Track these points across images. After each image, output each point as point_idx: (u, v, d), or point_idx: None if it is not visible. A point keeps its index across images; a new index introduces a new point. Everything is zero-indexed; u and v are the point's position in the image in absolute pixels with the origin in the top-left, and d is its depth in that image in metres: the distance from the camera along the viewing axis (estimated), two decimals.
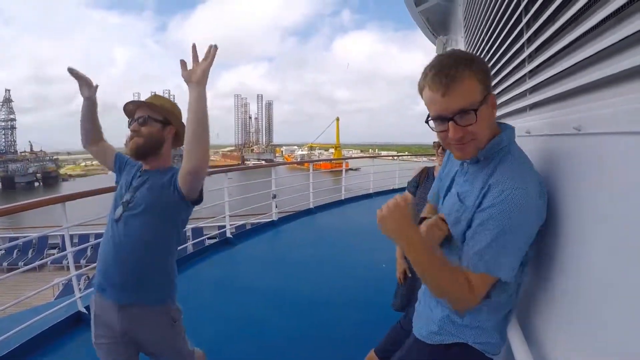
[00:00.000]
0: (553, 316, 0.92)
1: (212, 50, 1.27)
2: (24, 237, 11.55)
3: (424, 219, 1.09)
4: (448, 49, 4.01)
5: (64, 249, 3.53)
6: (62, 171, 79.38)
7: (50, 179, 70.11)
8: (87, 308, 2.81)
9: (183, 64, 1.28)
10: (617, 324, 0.64)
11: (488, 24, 1.83)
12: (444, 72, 0.84)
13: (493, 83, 1.82)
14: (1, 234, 15.93)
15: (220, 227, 5.42)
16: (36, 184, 68.72)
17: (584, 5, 0.78)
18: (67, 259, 2.99)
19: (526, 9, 1.21)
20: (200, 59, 1.27)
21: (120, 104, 1.50)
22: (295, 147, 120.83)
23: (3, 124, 74.65)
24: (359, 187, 9.10)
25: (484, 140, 0.90)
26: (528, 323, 1.05)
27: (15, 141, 75.24)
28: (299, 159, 73.25)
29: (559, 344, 0.88)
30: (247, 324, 2.82)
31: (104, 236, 1.46)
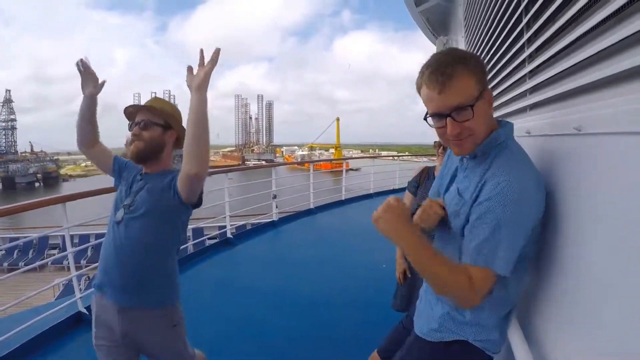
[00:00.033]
0: (553, 316, 0.92)
1: (214, 55, 1.27)
2: (25, 237, 11.58)
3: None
4: None
5: (64, 249, 3.54)
6: (62, 171, 79.41)
7: (51, 180, 70.12)
8: (88, 308, 2.81)
9: (189, 69, 1.28)
10: (617, 323, 0.64)
11: (488, 24, 1.83)
12: (440, 71, 0.86)
13: (493, 83, 1.82)
14: (2, 234, 15.96)
15: (220, 228, 5.42)
16: (37, 184, 68.72)
17: (584, 6, 0.78)
18: (67, 259, 2.99)
19: (526, 9, 1.21)
20: (206, 62, 1.27)
21: (120, 104, 1.51)
22: (296, 147, 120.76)
23: (3, 124, 74.74)
24: (359, 188, 9.10)
25: (481, 135, 0.92)
26: (528, 323, 1.05)
27: (15, 141, 75.31)
28: (299, 159, 73.27)
29: (559, 344, 0.88)
30: (247, 324, 2.83)
31: (105, 238, 1.46)
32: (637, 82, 0.61)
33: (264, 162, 71.72)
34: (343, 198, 7.81)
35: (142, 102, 1.53)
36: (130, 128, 1.47)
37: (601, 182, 0.72)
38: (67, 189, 58.10)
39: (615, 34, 0.65)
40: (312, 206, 6.84)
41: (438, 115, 0.90)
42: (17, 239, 12.24)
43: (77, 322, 2.80)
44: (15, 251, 14.70)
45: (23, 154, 74.81)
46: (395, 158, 14.56)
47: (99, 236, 8.26)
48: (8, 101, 73.77)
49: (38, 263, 9.66)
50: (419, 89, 0.93)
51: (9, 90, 73.98)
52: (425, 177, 2.15)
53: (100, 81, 1.52)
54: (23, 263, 13.61)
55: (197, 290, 3.41)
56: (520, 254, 0.90)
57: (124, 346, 1.43)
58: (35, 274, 12.37)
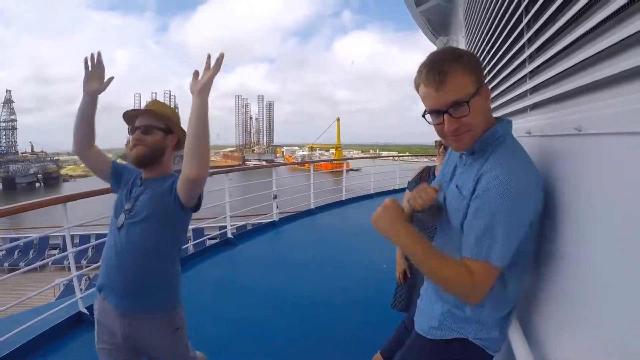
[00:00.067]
0: (553, 315, 0.92)
1: (217, 60, 1.27)
2: (25, 237, 11.57)
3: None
4: None
5: (65, 249, 3.54)
6: (63, 172, 79.49)
7: (51, 180, 70.15)
8: (88, 308, 2.81)
9: (195, 74, 1.28)
10: (618, 323, 0.64)
11: (489, 25, 1.83)
12: (436, 69, 0.89)
13: (494, 83, 1.83)
14: (2, 234, 15.96)
15: (221, 228, 5.42)
16: (37, 184, 68.78)
17: (585, 6, 0.78)
18: (68, 259, 2.99)
19: (527, 10, 1.21)
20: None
21: (120, 105, 1.50)
22: (296, 147, 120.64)
23: (4, 124, 74.92)
24: (360, 188, 9.09)
25: (479, 131, 0.94)
26: (529, 322, 1.05)
27: (16, 142, 75.49)
28: (299, 160, 73.29)
29: (559, 344, 0.88)
30: (247, 325, 2.83)
31: (106, 242, 1.46)
32: (638, 83, 0.61)
33: (264, 163, 71.75)
34: (343, 198, 7.81)
35: (143, 103, 1.53)
36: (130, 132, 1.46)
37: (601, 182, 0.72)
38: (67, 189, 58.14)
39: (616, 34, 0.65)
40: (312, 206, 6.84)
41: (436, 112, 0.93)
42: (17, 239, 12.24)
43: (78, 322, 2.80)
44: (16, 251, 14.69)
45: (23, 154, 74.98)
46: (396, 158, 14.54)
47: (99, 236, 8.27)
48: (9, 101, 73.99)
49: (38, 263, 9.64)
50: (417, 88, 0.96)
51: (10, 91, 74.30)
52: (425, 176, 2.16)
53: (106, 79, 1.46)
54: (24, 263, 13.60)
55: (197, 290, 3.41)
56: (520, 251, 0.90)
57: (125, 349, 1.43)
58: (36, 274, 12.36)
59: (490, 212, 0.85)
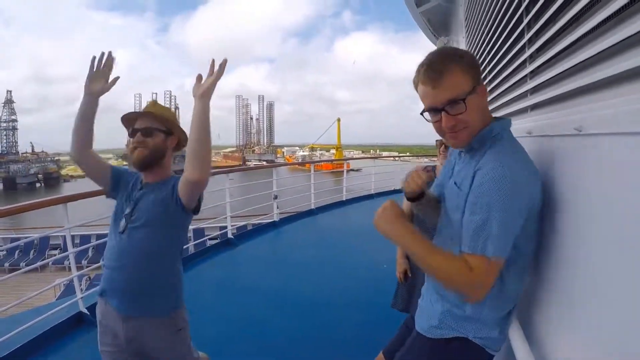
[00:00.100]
0: (554, 315, 0.92)
1: (220, 65, 1.27)
2: (26, 237, 11.56)
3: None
4: None
5: (65, 249, 3.55)
6: (63, 172, 79.29)
7: (52, 180, 70.13)
8: (89, 309, 2.82)
9: (199, 78, 1.28)
10: (618, 323, 0.64)
11: (489, 25, 1.83)
12: (434, 68, 0.92)
13: (494, 84, 1.83)
14: (3, 234, 15.96)
15: (221, 228, 5.43)
16: (38, 184, 68.77)
17: (585, 6, 0.78)
18: (68, 259, 3.00)
19: (527, 10, 1.21)
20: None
21: (120, 105, 1.50)
22: (297, 147, 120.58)
23: (5, 124, 74.90)
24: (360, 188, 9.08)
25: (476, 128, 0.96)
26: (529, 322, 1.05)
27: (16, 142, 75.43)
28: (300, 160, 73.27)
29: (559, 344, 0.88)
30: (248, 325, 2.83)
31: (107, 245, 1.46)
32: (638, 83, 0.61)
33: (264, 163, 71.74)
34: (344, 198, 7.81)
35: (143, 103, 1.54)
36: (130, 134, 1.45)
37: (602, 183, 0.72)
38: (68, 189, 58.16)
39: (616, 34, 0.65)
40: (313, 207, 6.84)
41: (433, 110, 0.96)
42: (18, 239, 12.23)
43: (78, 322, 2.81)
44: (17, 251, 14.69)
45: (24, 155, 74.94)
46: (396, 158, 14.57)
47: (100, 236, 8.26)
48: (9, 102, 74.02)
49: (39, 263, 9.62)
50: (416, 87, 0.99)
51: (10, 91, 74.31)
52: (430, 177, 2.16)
53: (111, 79, 1.43)
54: (24, 263, 13.59)
55: (198, 290, 3.41)
56: (520, 251, 0.91)
57: (128, 352, 1.43)
58: (37, 274, 12.35)
59: (486, 205, 0.86)
